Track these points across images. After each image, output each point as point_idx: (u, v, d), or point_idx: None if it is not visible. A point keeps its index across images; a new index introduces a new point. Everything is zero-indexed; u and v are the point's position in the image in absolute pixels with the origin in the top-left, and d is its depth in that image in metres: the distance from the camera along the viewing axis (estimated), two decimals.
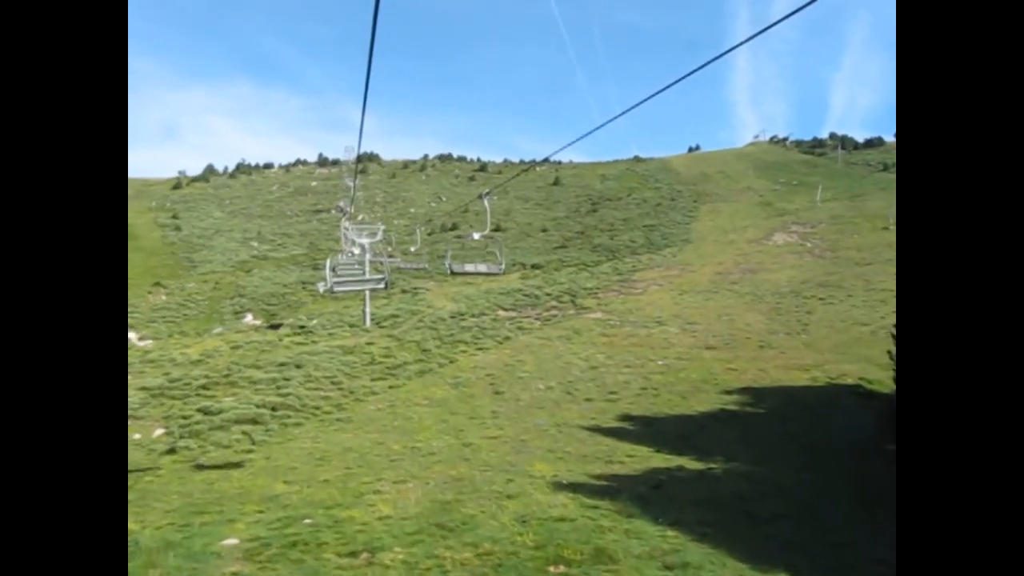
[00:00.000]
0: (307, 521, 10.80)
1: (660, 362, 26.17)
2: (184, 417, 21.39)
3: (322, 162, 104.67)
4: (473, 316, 35.72)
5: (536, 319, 35.34)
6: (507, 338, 31.64)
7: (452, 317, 35.59)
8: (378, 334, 33.18)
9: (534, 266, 50.39)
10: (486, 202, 11.55)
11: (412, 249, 47.96)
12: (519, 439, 17.71)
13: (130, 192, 73.75)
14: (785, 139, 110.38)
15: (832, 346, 26.91)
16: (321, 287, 16.25)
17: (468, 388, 24.22)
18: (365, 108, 6.10)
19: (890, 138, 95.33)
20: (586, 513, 10.83)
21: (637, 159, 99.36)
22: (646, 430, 18.37)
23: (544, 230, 64.78)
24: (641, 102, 5.99)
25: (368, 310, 35.95)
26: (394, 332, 33.47)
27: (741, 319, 32.20)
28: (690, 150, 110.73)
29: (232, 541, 9.80)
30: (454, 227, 61.94)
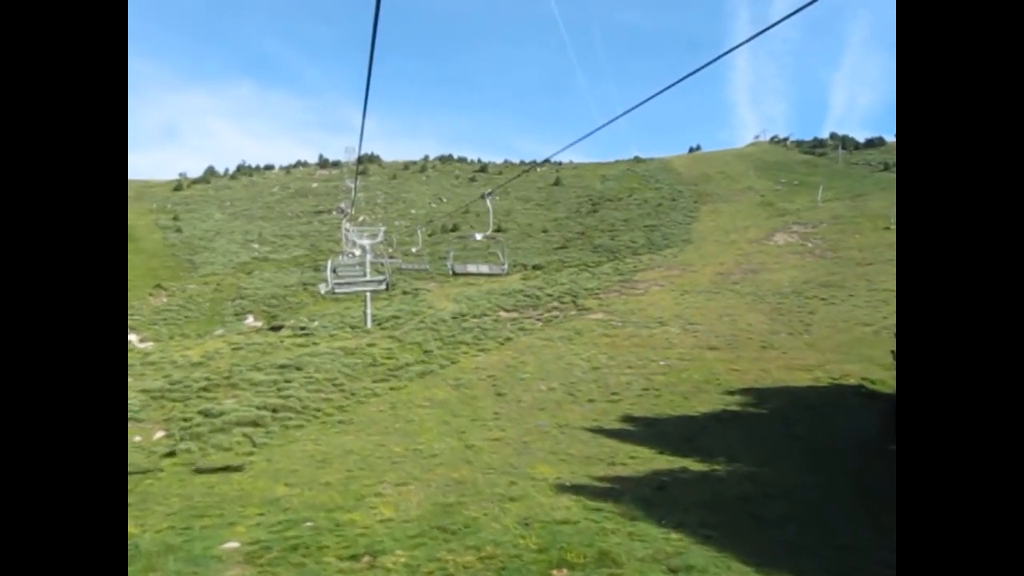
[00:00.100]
0: (308, 524, 10.73)
1: (662, 363, 26.10)
2: (185, 419, 21.34)
3: (323, 163, 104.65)
4: (474, 317, 35.67)
5: (537, 320, 35.28)
6: (508, 339, 31.58)
7: (453, 318, 35.53)
8: (379, 335, 33.12)
9: (535, 267, 50.33)
10: (488, 202, 11.46)
11: (413, 250, 47.89)
12: (521, 441, 17.64)
13: (131, 194, 73.78)
14: (786, 139, 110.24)
15: (834, 346, 26.82)
16: (322, 288, 16.18)
17: (470, 389, 24.16)
18: (366, 109, 6.03)
19: (891, 138, 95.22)
20: (589, 515, 10.76)
21: (637, 159, 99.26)
22: (649, 431, 18.29)
23: (545, 231, 64.73)
24: (642, 103, 5.94)
25: (369, 311, 35.89)
26: (395, 333, 33.42)
27: (743, 319, 32.12)
28: (691, 150, 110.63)
29: (233, 544, 9.73)
30: (455, 228, 61.90)
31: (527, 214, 71.93)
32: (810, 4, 3.79)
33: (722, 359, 26.01)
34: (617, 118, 6.30)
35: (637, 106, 6.08)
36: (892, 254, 40.15)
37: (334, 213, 71.10)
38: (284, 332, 35.67)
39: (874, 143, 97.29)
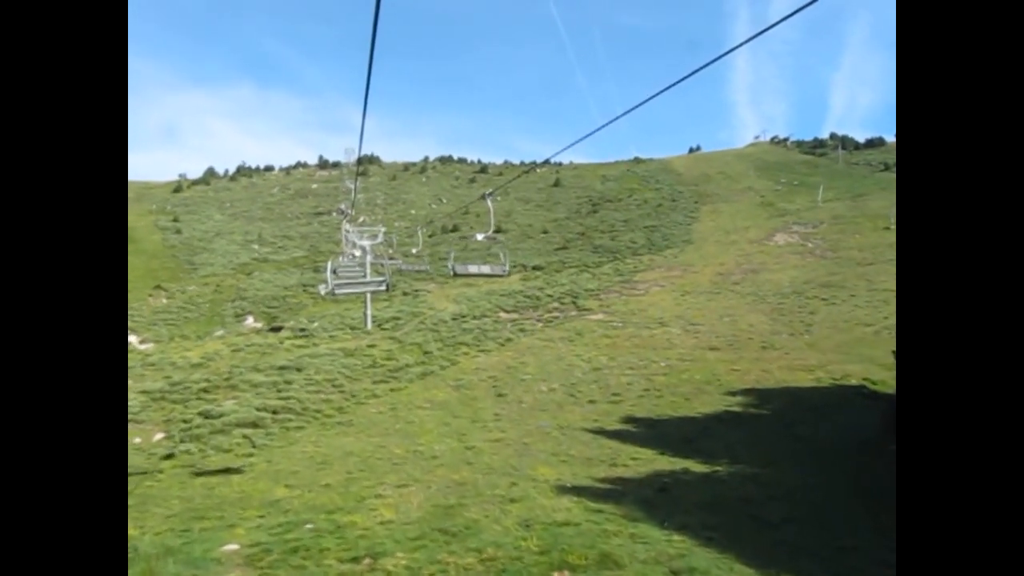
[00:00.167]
0: (308, 526, 10.68)
1: (663, 363, 26.05)
2: (185, 421, 21.30)
3: (322, 164, 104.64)
4: (475, 318, 35.63)
5: (538, 320, 35.24)
6: (509, 340, 31.54)
7: (453, 319, 35.50)
8: (379, 336, 33.08)
9: (535, 267, 50.27)
10: (489, 202, 11.42)
11: (413, 251, 47.84)
12: (522, 442, 17.60)
13: (130, 195, 73.78)
14: (786, 139, 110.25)
15: (835, 346, 26.78)
16: (322, 290, 16.12)
17: (470, 390, 24.12)
18: (366, 110, 5.99)
19: (891, 138, 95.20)
20: (591, 517, 10.71)
21: (637, 160, 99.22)
22: (650, 432, 18.25)
23: (545, 231, 64.66)
24: (642, 103, 5.92)
25: (369, 312, 35.63)
26: (395, 334, 33.38)
27: (743, 320, 32.08)
28: (691, 151, 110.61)
29: (232, 547, 9.68)
30: (455, 229, 61.87)
31: (527, 215, 71.89)
32: (810, 4, 3.78)
33: (723, 360, 25.96)
34: (617, 118, 6.29)
35: (637, 106, 6.06)
36: (893, 254, 40.11)
37: (334, 214, 71.07)
38: (284, 333, 35.63)
39: (874, 143, 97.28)
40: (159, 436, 20.38)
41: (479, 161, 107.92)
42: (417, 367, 27.54)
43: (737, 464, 14.93)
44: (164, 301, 46.93)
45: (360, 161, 40.83)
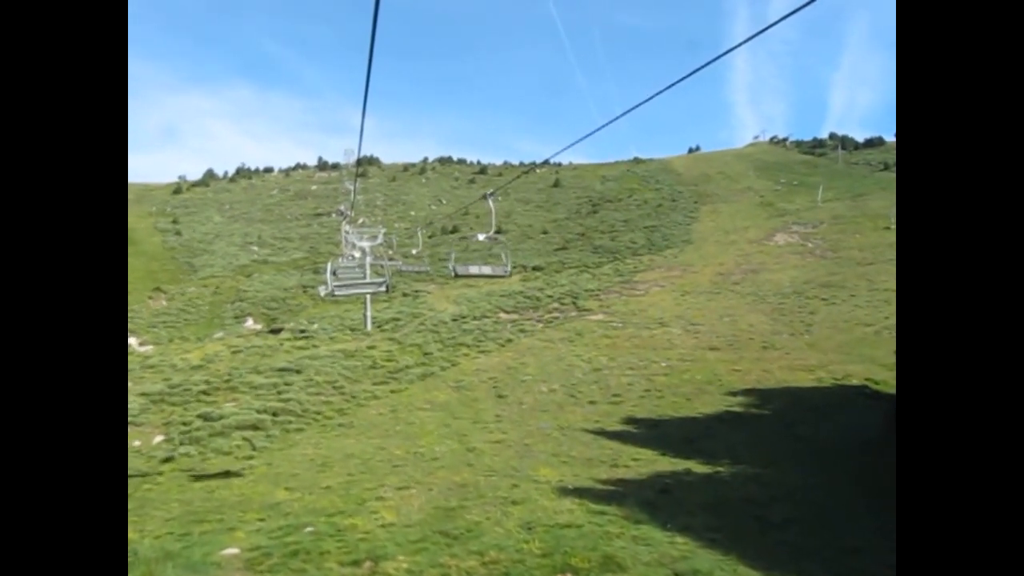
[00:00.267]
0: (309, 529, 10.62)
1: (663, 363, 26.00)
2: (184, 423, 21.24)
3: (322, 166, 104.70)
4: (475, 319, 35.58)
5: (538, 321, 35.19)
6: (509, 340, 31.49)
7: (454, 320, 35.45)
8: (379, 338, 33.03)
9: (535, 268, 50.23)
10: (491, 202, 11.35)
11: (413, 252, 47.81)
12: (523, 443, 17.54)
13: (130, 197, 73.74)
14: (785, 139, 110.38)
15: (836, 346, 26.73)
16: (322, 291, 16.07)
17: (470, 391, 24.06)
18: (365, 110, 5.95)
19: (890, 138, 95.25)
20: (593, 519, 10.64)
21: (637, 160, 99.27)
22: (651, 433, 18.19)
23: (545, 232, 64.63)
24: (641, 103, 5.89)
25: (369, 313, 35.51)
26: (395, 335, 33.33)
27: (744, 320, 32.04)
28: (690, 151, 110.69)
29: (232, 551, 9.62)
30: (455, 230, 61.83)
31: (527, 215, 71.86)
32: (809, 4, 3.79)
33: (724, 360, 25.92)
34: (617, 118, 6.28)
35: (637, 106, 6.03)
36: (893, 254, 40.08)
37: (333, 215, 71.05)
38: (284, 335, 35.58)
39: (873, 143, 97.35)
40: (159, 439, 20.32)
41: (479, 162, 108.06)
42: (417, 368, 27.49)
43: (739, 465, 14.87)
44: (164, 303, 46.88)
45: (359, 162, 40.79)
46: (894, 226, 47.39)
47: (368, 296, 17.95)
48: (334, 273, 14.83)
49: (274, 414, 21.81)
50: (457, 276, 12.68)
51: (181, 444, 19.26)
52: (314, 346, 32.38)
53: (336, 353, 29.89)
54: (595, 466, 15.07)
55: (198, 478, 16.08)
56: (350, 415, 22.13)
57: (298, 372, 26.79)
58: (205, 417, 21.55)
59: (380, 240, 18.27)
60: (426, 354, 29.56)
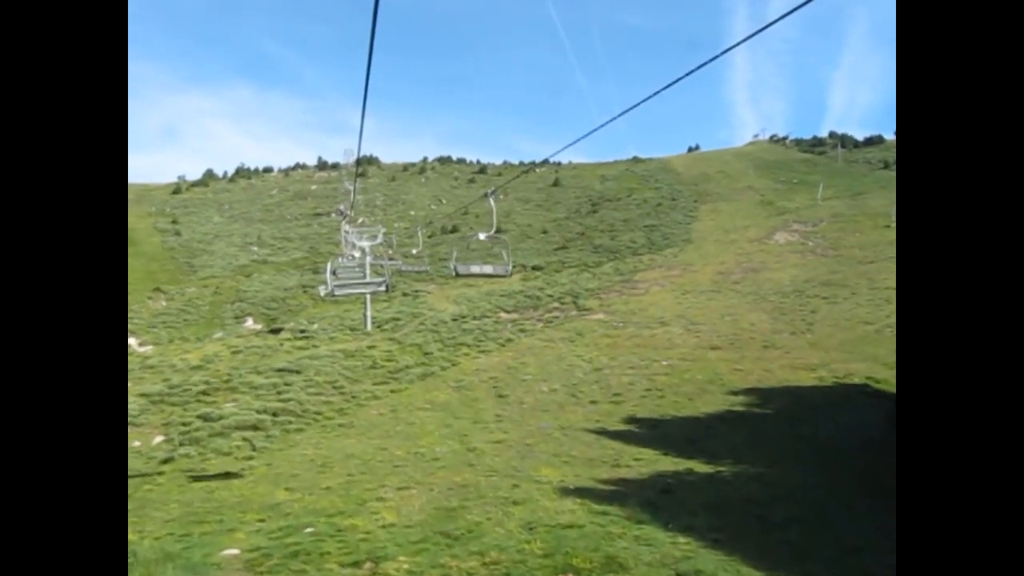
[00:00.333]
0: (309, 530, 10.57)
1: (664, 363, 25.95)
2: (184, 424, 21.20)
3: (321, 166, 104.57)
4: (475, 318, 35.53)
5: (538, 321, 35.14)
6: (509, 340, 31.45)
7: (454, 320, 35.40)
8: (379, 337, 32.97)
9: (535, 267, 50.16)
10: (491, 201, 11.29)
11: (413, 251, 47.75)
12: (524, 443, 17.50)
13: (130, 197, 73.65)
14: (785, 138, 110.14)
15: (837, 345, 26.68)
16: (322, 291, 16.01)
17: (471, 391, 24.02)
18: (365, 110, 5.89)
19: (890, 136, 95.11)
20: (594, 519, 10.60)
21: (637, 159, 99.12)
22: (652, 432, 18.15)
23: (544, 231, 64.55)
24: (641, 102, 5.86)
25: (369, 313, 35.46)
26: (395, 335, 33.28)
27: (745, 319, 31.99)
28: (690, 150, 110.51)
29: (232, 551, 9.58)
30: (455, 229, 61.75)
31: (527, 215, 71.79)
32: (808, 2, 3.78)
33: (725, 359, 25.87)
34: (616, 118, 6.27)
35: (636, 106, 6.00)
36: (893, 252, 40.03)
37: (333, 215, 70.94)
38: (284, 335, 35.53)
39: (873, 141, 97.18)
40: (158, 439, 20.27)
41: (478, 161, 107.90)
42: (417, 368, 27.45)
43: (741, 464, 14.84)
44: (163, 303, 46.82)
45: (359, 162, 40.70)
46: (894, 224, 47.34)
47: (368, 296, 17.89)
48: (334, 273, 14.80)
49: (274, 414, 21.77)
50: (458, 275, 12.62)
51: (181, 445, 19.22)
52: (314, 346, 32.33)
53: (336, 353, 29.84)
54: (596, 466, 15.03)
55: (198, 479, 16.04)
56: (350, 415, 22.09)
57: (298, 372, 26.74)
58: (205, 417, 21.50)
59: (380, 240, 18.22)
60: (426, 354, 29.52)
